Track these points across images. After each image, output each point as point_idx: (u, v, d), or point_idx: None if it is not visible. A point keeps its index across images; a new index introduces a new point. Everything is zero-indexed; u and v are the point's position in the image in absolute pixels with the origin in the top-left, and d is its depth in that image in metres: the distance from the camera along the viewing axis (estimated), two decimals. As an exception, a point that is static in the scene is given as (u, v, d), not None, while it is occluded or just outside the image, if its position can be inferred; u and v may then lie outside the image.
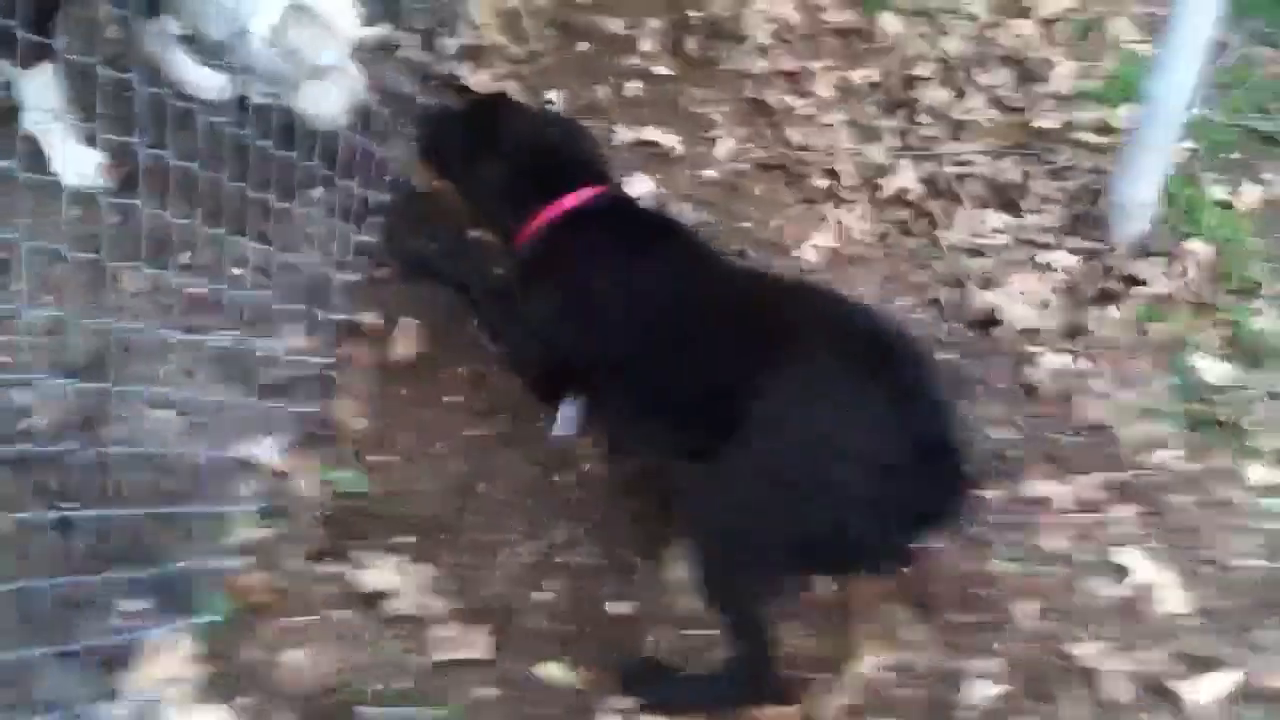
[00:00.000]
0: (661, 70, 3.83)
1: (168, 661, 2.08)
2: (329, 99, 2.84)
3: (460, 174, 2.90)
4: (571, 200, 2.69)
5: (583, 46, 3.78)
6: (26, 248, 2.15)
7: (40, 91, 2.69)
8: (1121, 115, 3.79)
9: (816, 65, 4.03)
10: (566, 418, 2.78)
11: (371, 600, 2.33)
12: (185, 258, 2.61)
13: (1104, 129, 3.83)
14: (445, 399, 2.79)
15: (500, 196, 2.77)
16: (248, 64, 2.76)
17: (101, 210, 2.40)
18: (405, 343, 2.83)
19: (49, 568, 2.01)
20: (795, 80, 3.97)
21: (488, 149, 2.76)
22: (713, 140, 3.68)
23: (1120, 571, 2.58)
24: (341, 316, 2.80)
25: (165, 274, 2.41)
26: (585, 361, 2.60)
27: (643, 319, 2.47)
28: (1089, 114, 3.91)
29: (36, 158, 2.76)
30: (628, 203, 2.84)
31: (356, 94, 2.89)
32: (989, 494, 2.69)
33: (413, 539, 2.48)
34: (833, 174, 3.66)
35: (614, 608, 2.48)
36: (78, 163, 2.78)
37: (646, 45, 3.85)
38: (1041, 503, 2.74)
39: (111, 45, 3.15)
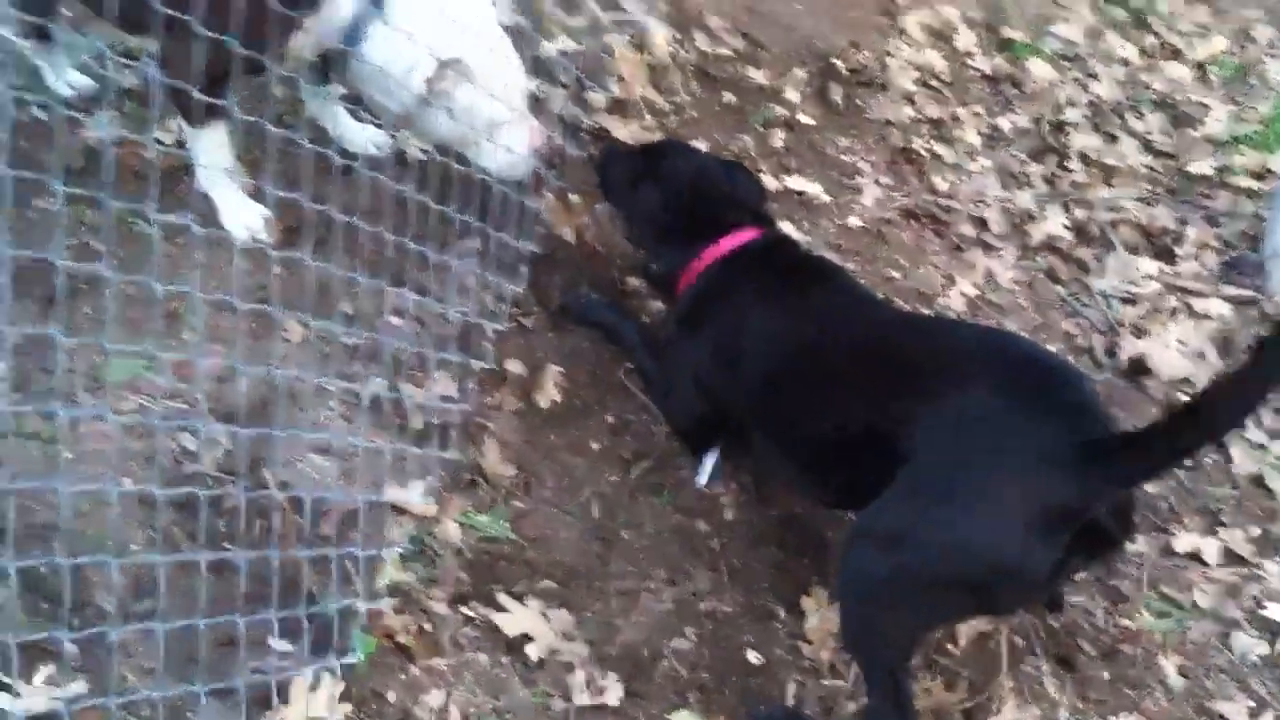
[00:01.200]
0: (806, 119, 3.86)
1: (315, 701, 2.16)
2: (510, 152, 2.93)
3: (628, 212, 3.03)
4: (734, 241, 2.75)
5: (728, 97, 3.83)
6: (199, 299, 2.26)
7: (212, 149, 2.83)
8: (1278, 160, 3.68)
9: (963, 112, 4.02)
10: (710, 465, 2.82)
11: (513, 645, 2.38)
12: (346, 307, 2.71)
13: (1261, 174, 3.73)
14: (590, 445, 2.85)
15: (664, 236, 2.88)
16: (425, 129, 2.90)
17: (269, 262, 2.51)
18: (551, 390, 2.90)
19: (208, 607, 2.10)
20: (941, 127, 3.96)
21: (655, 188, 2.88)
22: (858, 188, 3.69)
23: (1272, 629, 2.50)
24: (490, 364, 2.88)
25: (327, 324, 2.51)
26: (740, 406, 2.63)
27: (802, 362, 2.50)
28: (1245, 159, 3.82)
29: (209, 212, 2.91)
30: (789, 245, 2.87)
31: (536, 142, 2.99)
32: (1139, 547, 2.64)
33: (555, 584, 2.54)
34: (980, 221, 3.64)
35: (754, 656, 2.49)
36: (246, 218, 2.91)
37: (791, 95, 3.88)
38: (1192, 557, 2.67)
39: (278, 104, 3.31)
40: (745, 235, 2.78)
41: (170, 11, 1.91)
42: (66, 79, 3.20)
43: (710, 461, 2.83)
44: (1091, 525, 2.06)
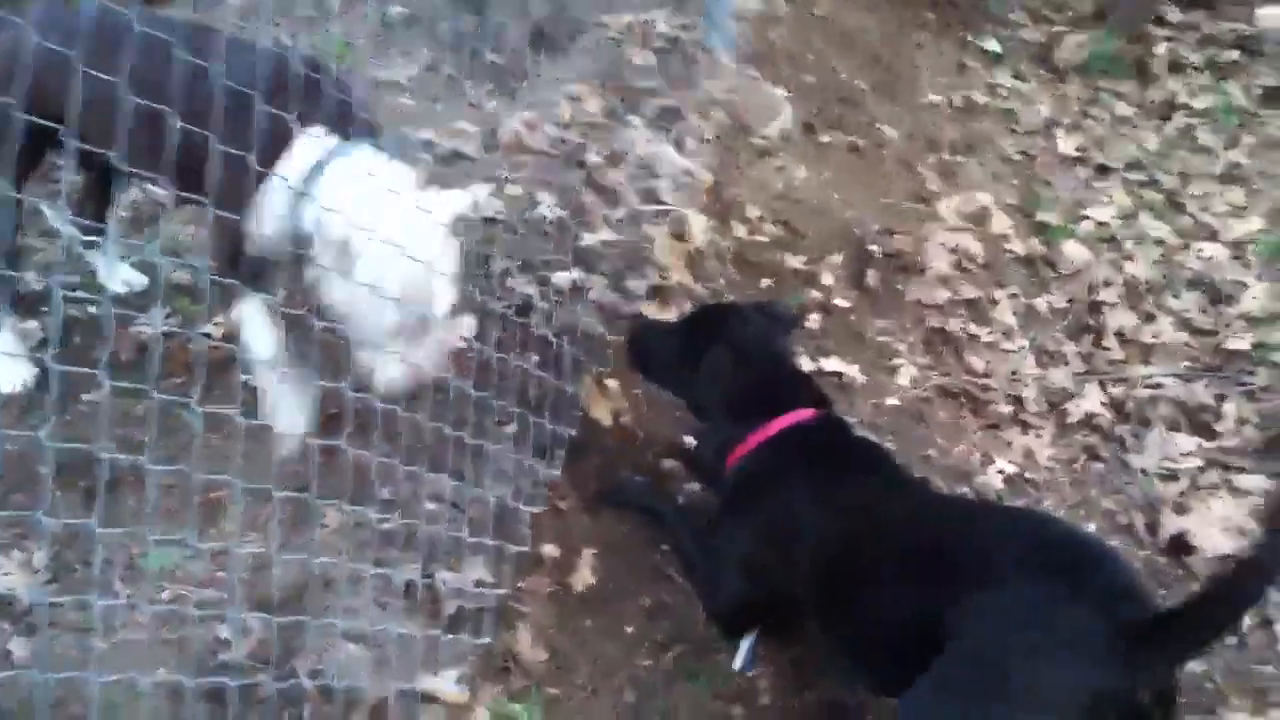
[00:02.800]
0: (843, 302, 3.92)
1: None
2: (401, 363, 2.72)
3: (678, 387, 3.04)
4: (790, 420, 2.77)
5: (765, 282, 3.91)
6: (239, 488, 2.32)
7: (257, 341, 2.92)
8: (1318, 335, 3.69)
9: (999, 293, 4.07)
10: (746, 649, 2.80)
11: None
12: (384, 493, 2.76)
13: (1299, 350, 3.73)
14: (625, 629, 2.84)
15: (727, 408, 2.84)
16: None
17: (309, 451, 2.58)
18: (586, 573, 2.91)
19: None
20: (978, 308, 4.01)
21: (727, 355, 2.84)
22: (894, 368, 3.73)
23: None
24: (525, 548, 2.90)
25: (364, 510, 2.56)
26: (786, 591, 2.62)
27: (850, 549, 2.49)
28: (1284, 334, 3.83)
29: (251, 401, 3.00)
30: (842, 427, 2.87)
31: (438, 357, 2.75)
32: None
33: (587, 772, 2.51)
34: (1017, 399, 3.65)
35: None
36: (288, 409, 2.99)
37: (827, 279, 3.96)
38: (1242, 738, 2.60)
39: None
40: (800, 414, 2.79)
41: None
42: (120, 275, 3.35)
43: (747, 645, 2.80)
44: (1136, 710, 2.02)
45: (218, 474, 2.37)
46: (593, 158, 4.12)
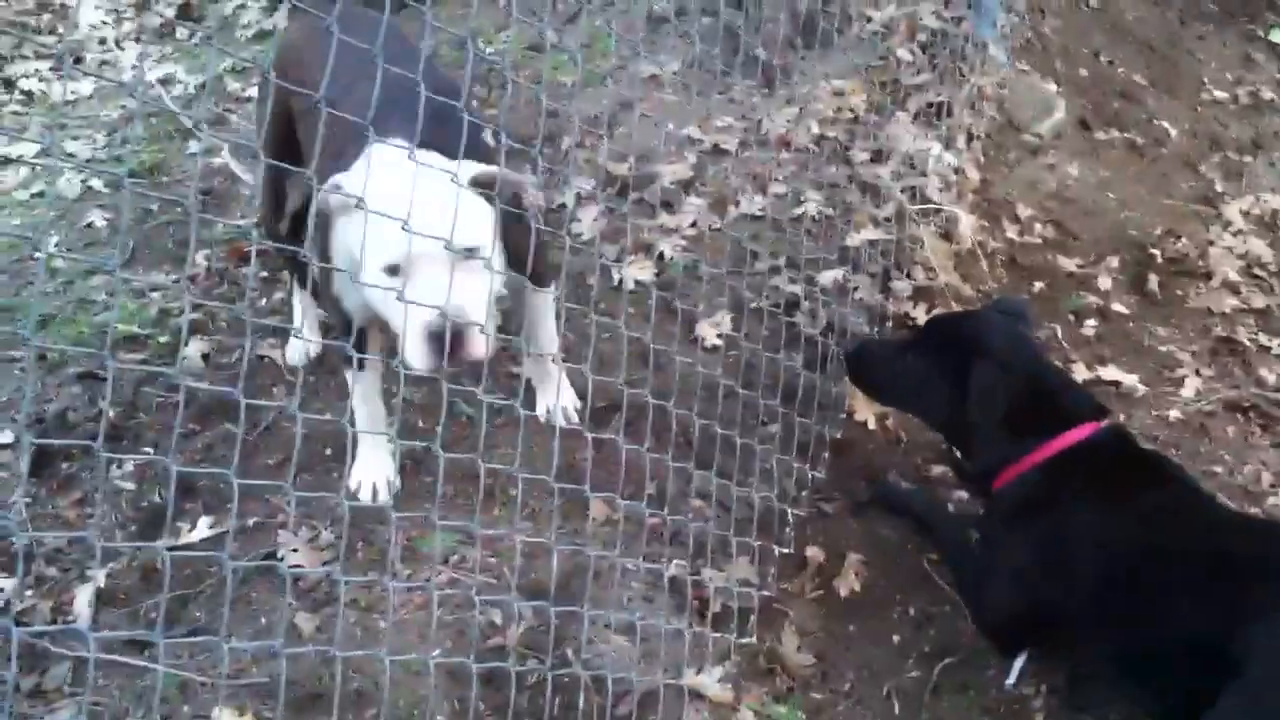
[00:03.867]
0: (1120, 308, 3.74)
1: None
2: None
3: (923, 409, 2.91)
4: (1073, 437, 2.64)
5: (1037, 285, 3.77)
6: (521, 477, 2.37)
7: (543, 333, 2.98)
8: None
9: (1293, 302, 3.81)
10: (1019, 666, 2.70)
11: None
12: (650, 488, 2.77)
13: None
14: (890, 637, 2.78)
15: (990, 431, 2.69)
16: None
17: (585, 444, 2.62)
18: (851, 578, 2.86)
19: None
20: (1269, 317, 3.77)
21: (992, 375, 2.67)
22: (1178, 379, 3.54)
23: None
24: (790, 550, 2.87)
25: (635, 505, 2.57)
26: (1066, 610, 2.53)
27: (1139, 569, 2.40)
28: None
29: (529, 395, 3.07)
30: (1128, 440, 2.75)
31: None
32: None
33: (852, 781, 2.47)
34: (1313, 420, 3.42)
35: None
36: (563, 403, 3.05)
37: (1104, 283, 3.78)
38: None
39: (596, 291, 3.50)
40: (1082, 431, 2.66)
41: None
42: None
43: (1020, 662, 2.70)
44: None
45: (501, 464, 2.44)
46: (858, 154, 4.05)
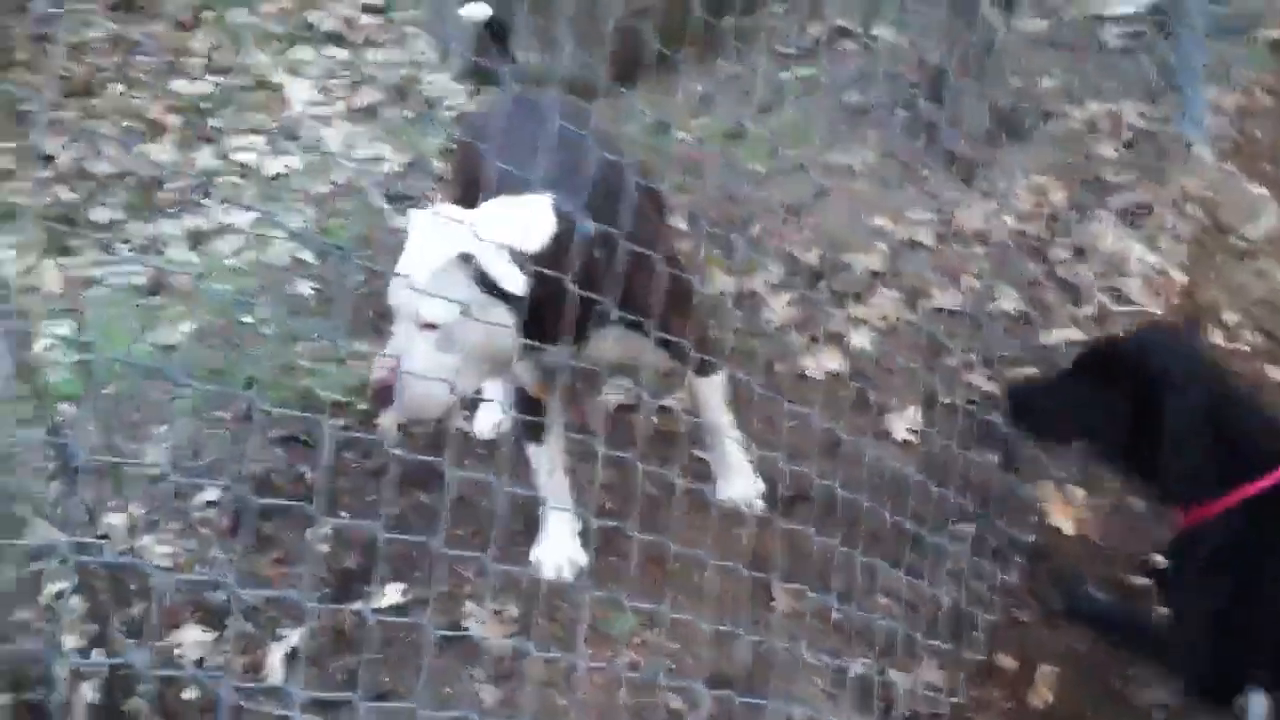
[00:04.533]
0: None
1: None
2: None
3: (1107, 442, 2.66)
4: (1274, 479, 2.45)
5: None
6: (710, 565, 2.35)
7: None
8: None
9: None
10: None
11: None
12: (838, 582, 2.72)
13: None
14: (1089, 754, 2.67)
15: (1179, 476, 2.51)
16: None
17: (774, 532, 2.59)
18: (1044, 690, 2.75)
19: None
20: None
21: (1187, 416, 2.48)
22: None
23: None
24: (980, 656, 2.78)
25: (823, 597, 2.52)
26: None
27: None
28: None
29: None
30: None
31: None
32: None
33: None
34: None
35: None
36: (742, 486, 3.02)
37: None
38: None
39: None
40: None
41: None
42: None
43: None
44: None
45: (689, 547, 2.43)
46: (1057, 251, 3.97)
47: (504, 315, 2.31)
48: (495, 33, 3.17)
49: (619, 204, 2.41)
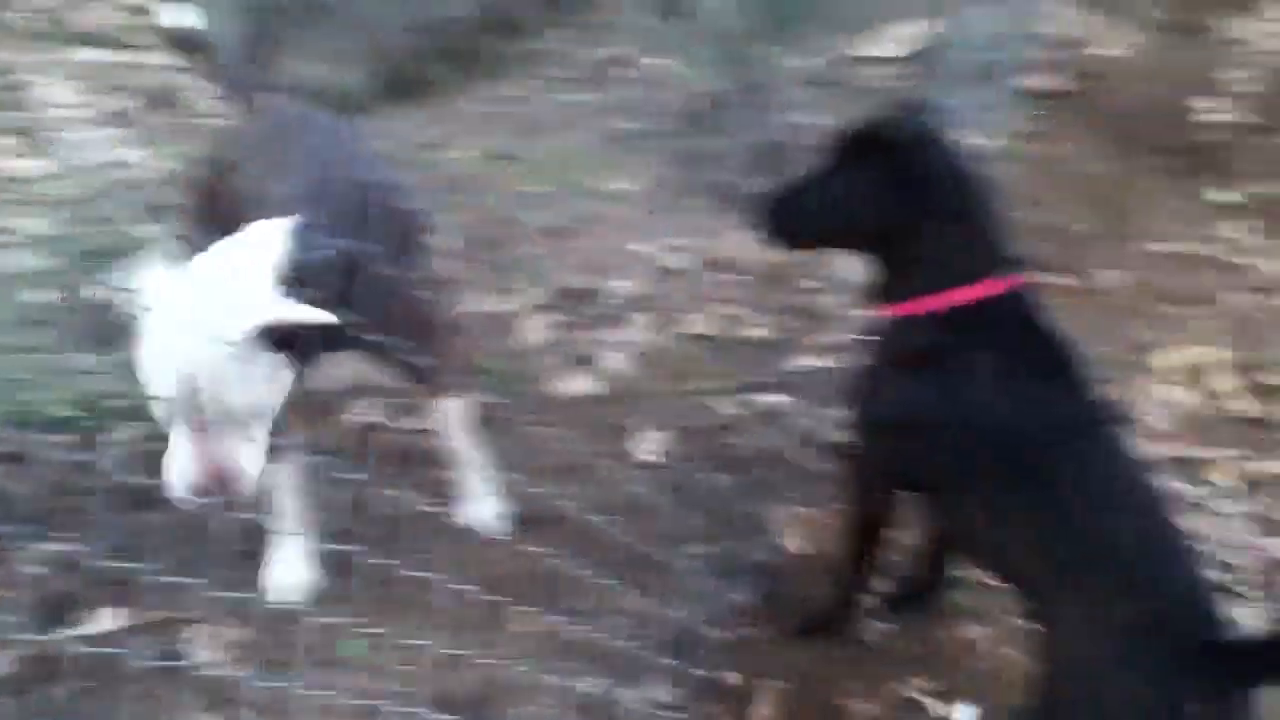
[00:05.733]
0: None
1: None
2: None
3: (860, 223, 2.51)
4: (986, 290, 2.41)
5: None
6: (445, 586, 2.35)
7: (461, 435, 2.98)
8: None
9: (1215, 453, 3.87)
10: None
11: None
12: (572, 602, 2.75)
13: None
14: (806, 772, 2.76)
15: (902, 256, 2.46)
16: None
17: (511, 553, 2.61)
18: (766, 707, 2.83)
19: None
20: (1190, 468, 3.82)
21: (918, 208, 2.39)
22: None
23: None
24: (706, 673, 2.85)
25: (554, 618, 2.54)
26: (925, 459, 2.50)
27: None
28: None
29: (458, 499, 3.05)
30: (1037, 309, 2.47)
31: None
32: None
33: None
34: (1226, 567, 3.45)
35: None
36: (484, 509, 3.04)
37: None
38: None
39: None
40: (999, 284, 2.41)
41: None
42: None
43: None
44: None
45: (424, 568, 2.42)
46: (806, 282, 4.12)
47: (287, 361, 2.19)
48: (198, 46, 3.01)
49: (370, 224, 2.39)
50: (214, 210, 2.61)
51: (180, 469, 2.09)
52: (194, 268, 2.12)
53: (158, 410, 2.07)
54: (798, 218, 2.60)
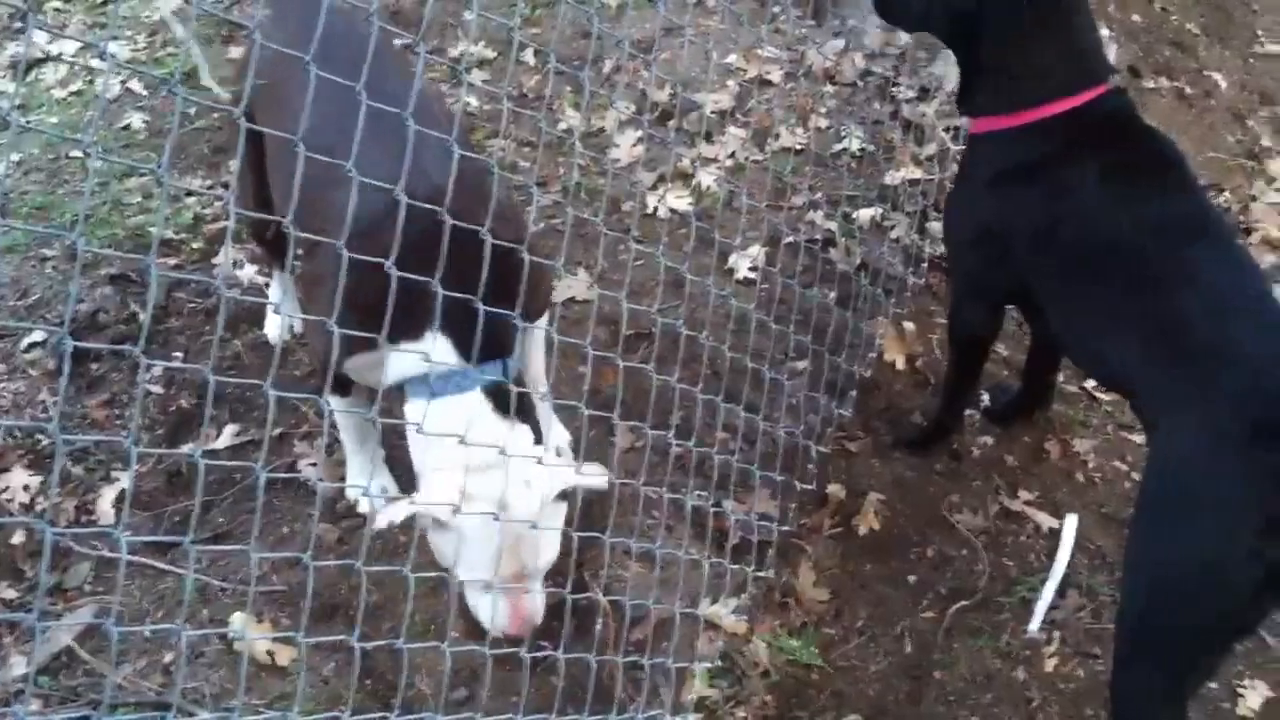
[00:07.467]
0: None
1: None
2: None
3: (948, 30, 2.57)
4: (1080, 100, 2.42)
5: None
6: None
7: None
8: None
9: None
10: (1041, 612, 2.70)
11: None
12: (677, 418, 2.77)
13: None
14: (907, 578, 2.79)
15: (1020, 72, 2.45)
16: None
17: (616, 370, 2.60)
18: (871, 517, 2.86)
19: (525, 702, 2.19)
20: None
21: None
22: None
23: None
24: (811, 486, 2.87)
25: (662, 434, 2.55)
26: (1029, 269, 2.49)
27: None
28: None
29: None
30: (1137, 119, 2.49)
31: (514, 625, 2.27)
32: None
33: (860, 718, 2.49)
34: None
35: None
36: (555, 443, 2.87)
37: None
38: None
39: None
40: (1091, 93, 2.42)
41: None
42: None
43: (1042, 608, 2.71)
44: None
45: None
46: (903, 91, 4.00)
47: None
48: None
49: (476, 203, 1.97)
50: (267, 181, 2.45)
51: (500, 616, 2.23)
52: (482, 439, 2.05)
53: (477, 562, 2.15)
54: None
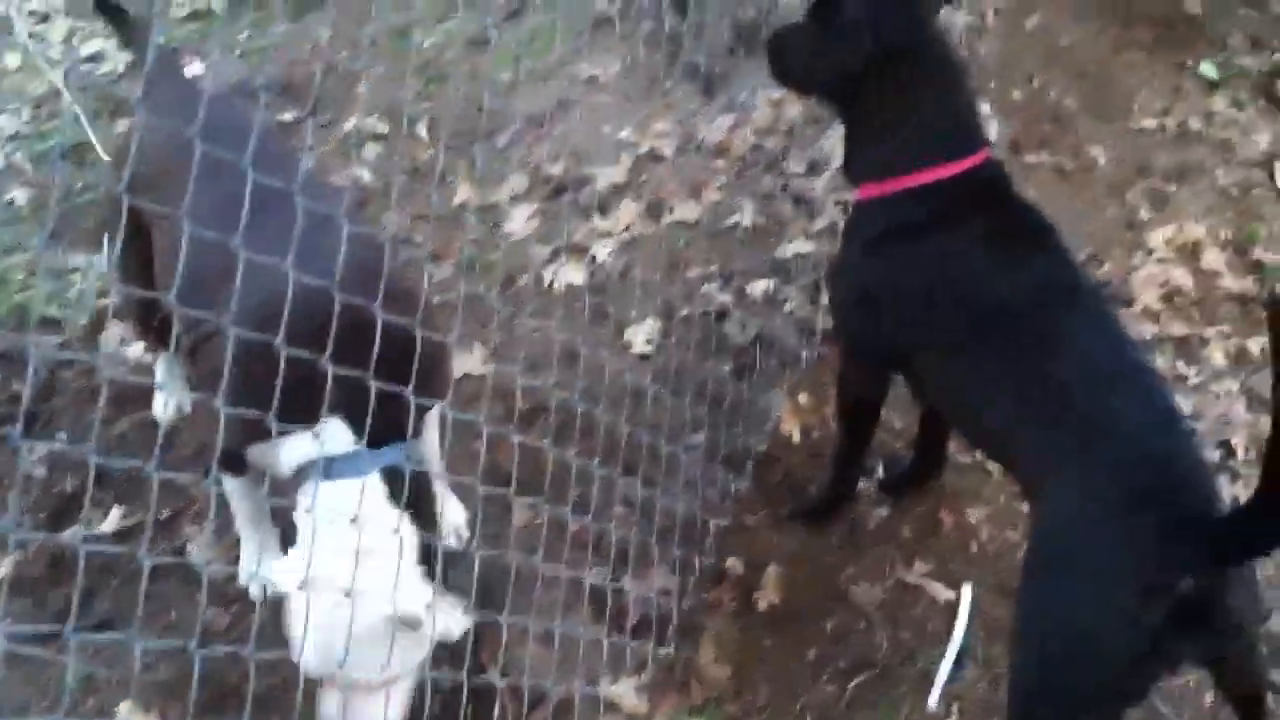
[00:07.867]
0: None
1: None
2: None
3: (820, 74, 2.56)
4: (962, 166, 2.44)
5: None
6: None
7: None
8: None
9: (1210, 331, 3.88)
10: (940, 686, 2.72)
11: None
12: (574, 494, 2.75)
13: None
14: (807, 652, 2.79)
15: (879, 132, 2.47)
16: None
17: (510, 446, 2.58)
18: (770, 591, 2.87)
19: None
20: (1188, 346, 3.84)
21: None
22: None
23: None
24: (711, 560, 2.87)
25: (558, 510, 2.53)
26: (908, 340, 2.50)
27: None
28: None
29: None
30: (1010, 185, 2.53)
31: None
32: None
33: (767, 796, 2.48)
34: (1226, 446, 3.48)
35: None
36: (451, 521, 2.90)
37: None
38: None
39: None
40: (973, 159, 2.45)
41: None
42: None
43: (940, 682, 2.73)
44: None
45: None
46: (792, 166, 4.07)
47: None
48: None
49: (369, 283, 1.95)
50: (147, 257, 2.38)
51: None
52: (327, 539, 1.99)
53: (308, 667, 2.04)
54: (791, 60, 2.64)
